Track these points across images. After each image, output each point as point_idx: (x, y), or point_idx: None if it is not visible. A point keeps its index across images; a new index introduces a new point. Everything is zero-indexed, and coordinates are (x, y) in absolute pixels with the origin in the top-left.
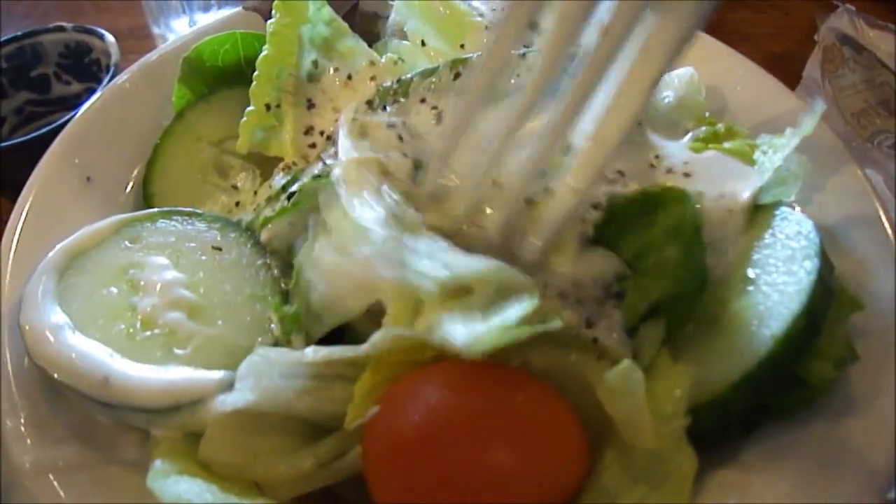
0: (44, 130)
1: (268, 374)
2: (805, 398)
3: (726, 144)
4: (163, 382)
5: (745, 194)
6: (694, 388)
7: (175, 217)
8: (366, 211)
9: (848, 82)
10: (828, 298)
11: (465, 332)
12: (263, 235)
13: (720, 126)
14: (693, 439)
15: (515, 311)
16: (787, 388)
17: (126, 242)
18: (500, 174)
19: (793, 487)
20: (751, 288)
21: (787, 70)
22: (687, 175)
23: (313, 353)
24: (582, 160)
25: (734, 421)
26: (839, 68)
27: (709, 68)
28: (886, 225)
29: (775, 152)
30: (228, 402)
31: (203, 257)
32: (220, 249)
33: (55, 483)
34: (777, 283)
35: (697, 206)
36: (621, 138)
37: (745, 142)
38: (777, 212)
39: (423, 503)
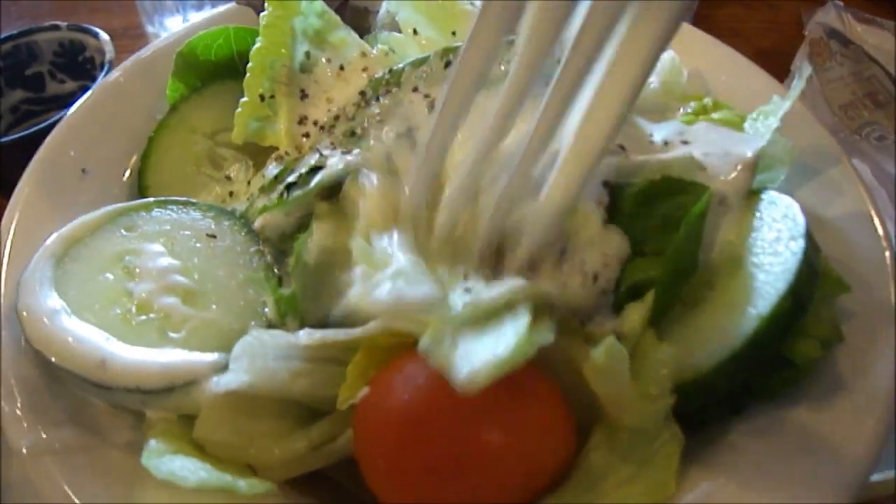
0: (40, 127)
1: (262, 355)
2: (790, 378)
3: (715, 115)
4: (157, 364)
5: (749, 152)
6: (680, 367)
7: (170, 206)
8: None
9: (835, 75)
10: (813, 279)
11: (464, 368)
12: (257, 223)
13: (707, 100)
14: (679, 419)
15: (510, 336)
16: (773, 368)
17: (122, 230)
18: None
19: (777, 467)
20: (737, 269)
21: (776, 65)
22: (685, 143)
23: (307, 335)
24: (564, 167)
25: (720, 402)
26: (827, 61)
27: (693, 58)
28: (873, 213)
29: (766, 118)
30: (223, 382)
31: (198, 244)
32: (214, 237)
33: (52, 465)
34: (763, 263)
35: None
36: (604, 143)
37: (734, 112)
38: (764, 195)
39: (412, 483)
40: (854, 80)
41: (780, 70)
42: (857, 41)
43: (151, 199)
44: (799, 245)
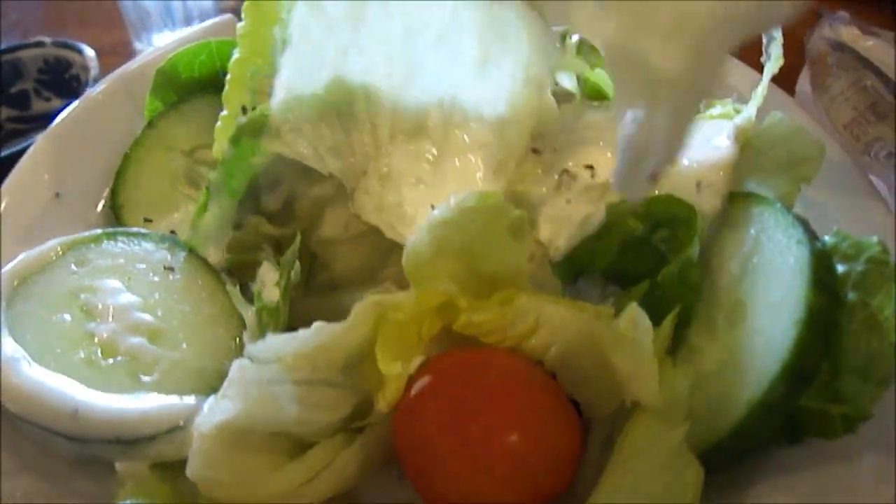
0: (19, 147)
1: (256, 381)
2: (852, 421)
3: (714, 112)
4: (137, 411)
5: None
6: None
7: (120, 237)
8: None
9: (836, 91)
10: (819, 344)
11: None
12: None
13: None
14: None
15: None
16: (830, 401)
17: (72, 265)
18: None
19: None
20: (739, 318)
21: (781, 86)
22: None
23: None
24: None
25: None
26: (826, 79)
27: None
28: None
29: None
30: (220, 411)
31: (155, 278)
32: (171, 269)
33: None
34: (763, 326)
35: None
36: None
37: (732, 106)
38: (776, 221)
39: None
40: (854, 93)
41: (785, 91)
42: (862, 51)
43: (99, 231)
44: (800, 310)
